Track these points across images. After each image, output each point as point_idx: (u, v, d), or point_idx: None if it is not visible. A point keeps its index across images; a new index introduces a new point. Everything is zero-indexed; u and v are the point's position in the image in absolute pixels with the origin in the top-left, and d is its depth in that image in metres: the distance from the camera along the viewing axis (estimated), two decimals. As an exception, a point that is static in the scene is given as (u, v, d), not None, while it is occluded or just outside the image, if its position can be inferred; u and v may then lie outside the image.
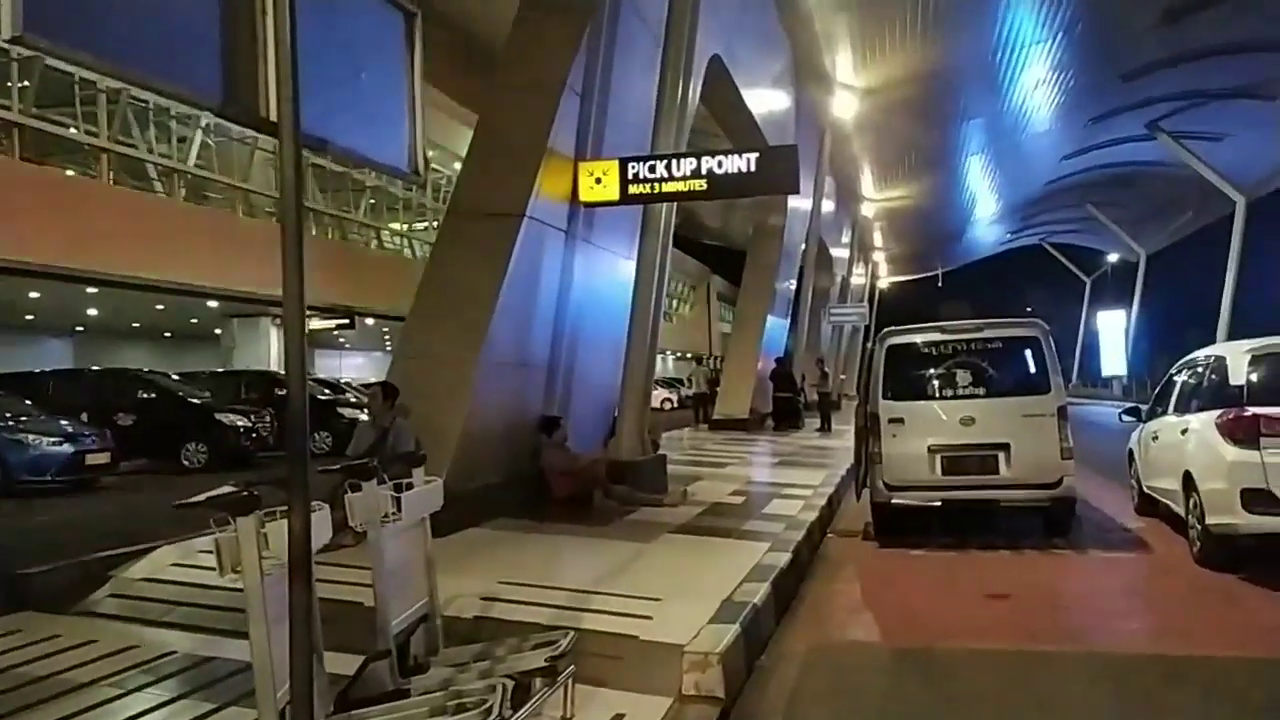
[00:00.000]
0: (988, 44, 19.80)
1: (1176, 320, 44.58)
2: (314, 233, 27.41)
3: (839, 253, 35.45)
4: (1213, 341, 20.28)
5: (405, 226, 32.84)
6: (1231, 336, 26.66)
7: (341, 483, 3.95)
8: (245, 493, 3.00)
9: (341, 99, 3.00)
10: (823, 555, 7.65)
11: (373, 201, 30.29)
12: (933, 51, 19.86)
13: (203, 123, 22.99)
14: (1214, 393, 7.15)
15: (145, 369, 19.02)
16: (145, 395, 15.37)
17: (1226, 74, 24.14)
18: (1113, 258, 53.83)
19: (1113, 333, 53.32)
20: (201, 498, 3.22)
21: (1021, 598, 6.10)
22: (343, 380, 24.22)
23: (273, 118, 2.60)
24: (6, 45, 15.35)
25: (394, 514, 3.96)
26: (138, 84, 2.43)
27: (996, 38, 19.53)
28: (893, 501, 8.10)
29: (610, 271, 10.43)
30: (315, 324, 26.88)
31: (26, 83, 18.72)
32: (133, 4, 2.26)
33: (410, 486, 4.24)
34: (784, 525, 7.77)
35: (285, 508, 3.39)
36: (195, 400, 15.73)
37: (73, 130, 19.61)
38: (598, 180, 9.17)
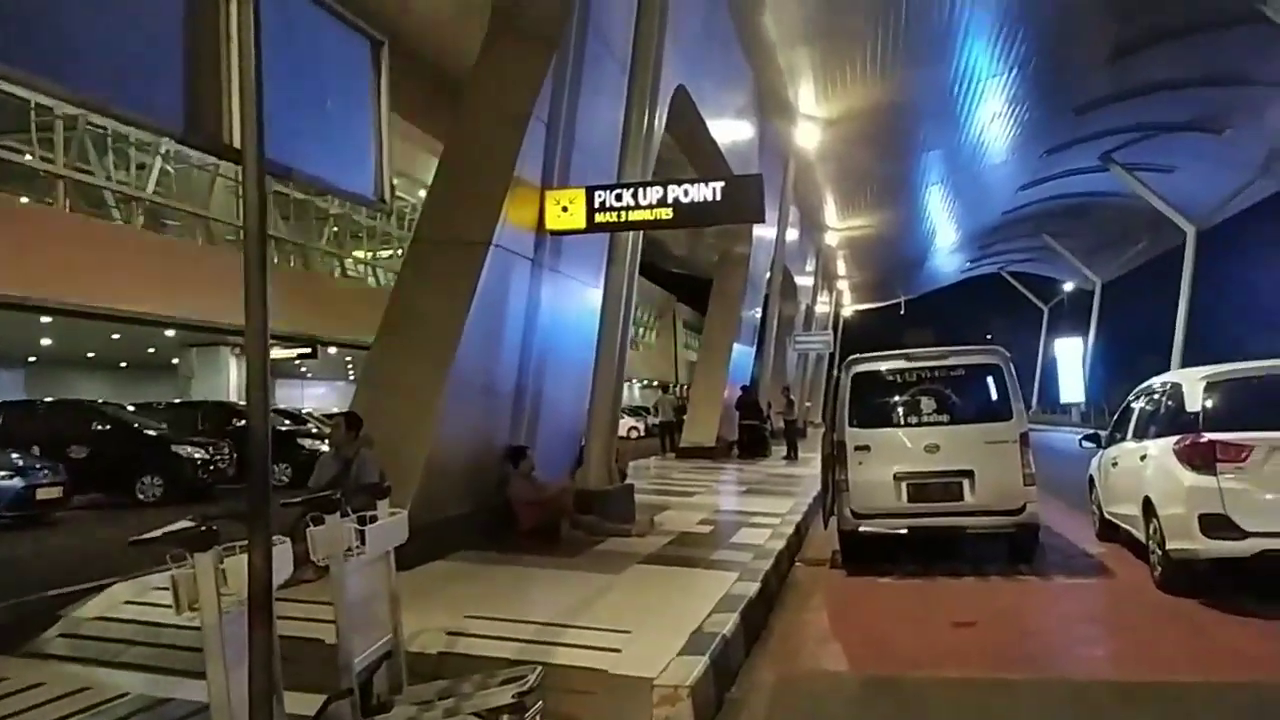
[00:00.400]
0: (945, 78, 20.25)
1: (1132, 347, 45.56)
2: (276, 261, 27.11)
3: (803, 281, 35.80)
4: (1167, 368, 20.70)
5: (369, 255, 32.61)
6: (1185, 363, 27.28)
7: (303, 516, 3.86)
8: (203, 527, 2.91)
9: (307, 126, 2.97)
10: (791, 584, 7.63)
11: (336, 230, 30.07)
12: (893, 84, 20.26)
13: (162, 149, 22.71)
14: (1171, 419, 7.29)
15: (100, 400, 18.61)
16: (100, 427, 15.01)
17: (1176, 108, 24.94)
18: (1069, 286, 54.96)
19: (1070, 360, 54.34)
20: (158, 533, 3.13)
21: (988, 625, 6.12)
22: (304, 410, 23.87)
23: (236, 145, 2.56)
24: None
25: (358, 547, 3.88)
26: (98, 110, 2.38)
27: (954, 72, 19.99)
28: (860, 529, 8.12)
29: (577, 299, 10.41)
30: (277, 353, 26.50)
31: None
32: (92, 29, 2.21)
33: (374, 519, 4.16)
34: (752, 554, 7.75)
35: (245, 543, 3.31)
36: (151, 432, 15.39)
37: (28, 157, 19.26)
38: (564, 209, 9.18)
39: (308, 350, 25.36)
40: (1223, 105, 24.52)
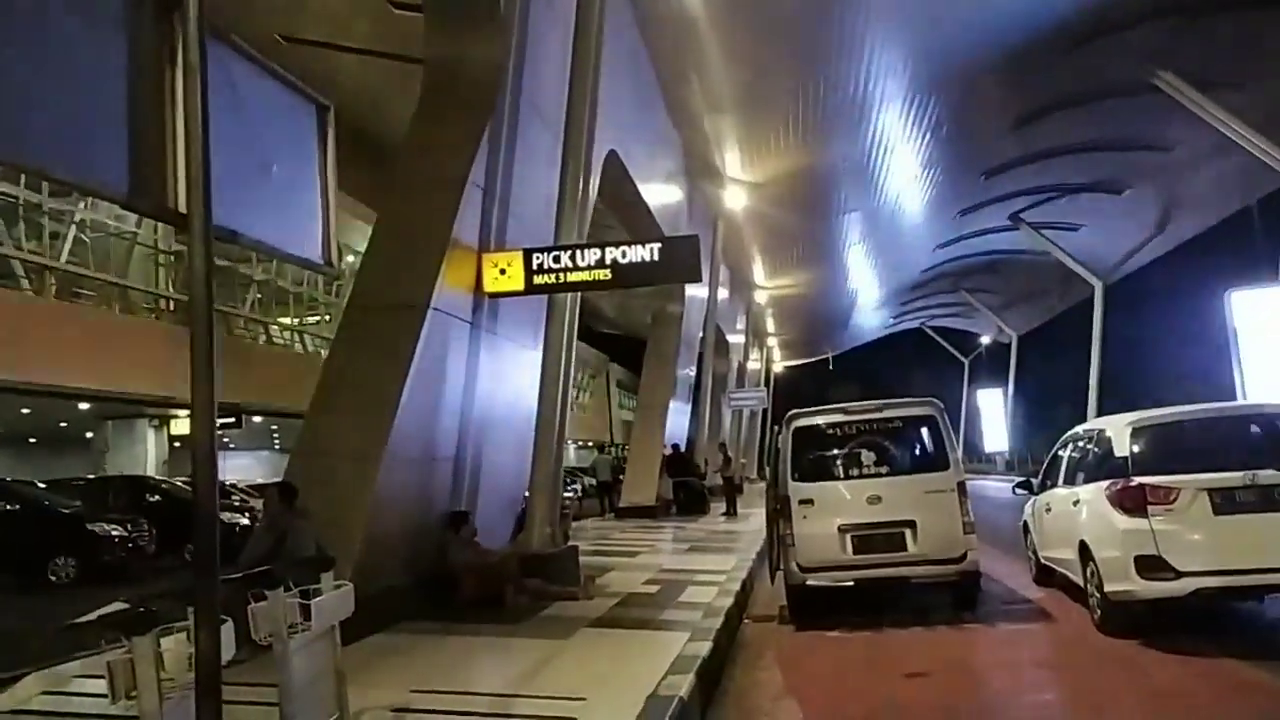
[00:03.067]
0: (862, 143, 21.07)
1: (1050, 397, 47.25)
2: (198, 329, 26.30)
3: (735, 339, 36.32)
4: (1084, 417, 21.50)
5: (296, 321, 31.96)
6: (1101, 412, 28.37)
7: (240, 592, 3.69)
8: (141, 609, 2.77)
9: (253, 191, 2.93)
10: (741, 642, 7.56)
11: (260, 296, 29.44)
12: (813, 149, 21.01)
13: (76, 219, 22.06)
14: (1100, 464, 7.53)
15: (7, 478, 17.61)
16: (7, 506, 14.18)
17: (1078, 170, 26.37)
18: (986, 339, 56.92)
19: (992, 410, 56.01)
20: (93, 616, 2.95)
21: (940, 674, 6.14)
22: (228, 482, 22.99)
23: (183, 210, 2.50)
24: None
25: (301, 624, 3.72)
26: (38, 175, 2.30)
27: (870, 138, 20.82)
28: (807, 583, 8.12)
29: (516, 361, 10.35)
30: (191, 426, 25.54)
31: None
32: (33, 94, 2.15)
33: (318, 593, 4.00)
34: (701, 613, 7.67)
35: (182, 624, 3.14)
36: (64, 510, 14.59)
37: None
38: (502, 271, 9.18)
39: (231, 420, 24.53)
40: (1122, 167, 26.05)
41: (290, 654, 3.59)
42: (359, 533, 7.20)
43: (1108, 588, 6.74)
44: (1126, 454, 7.00)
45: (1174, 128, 21.73)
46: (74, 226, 21.86)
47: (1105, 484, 6.99)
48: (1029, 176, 26.66)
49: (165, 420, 25.24)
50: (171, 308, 24.54)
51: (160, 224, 23.52)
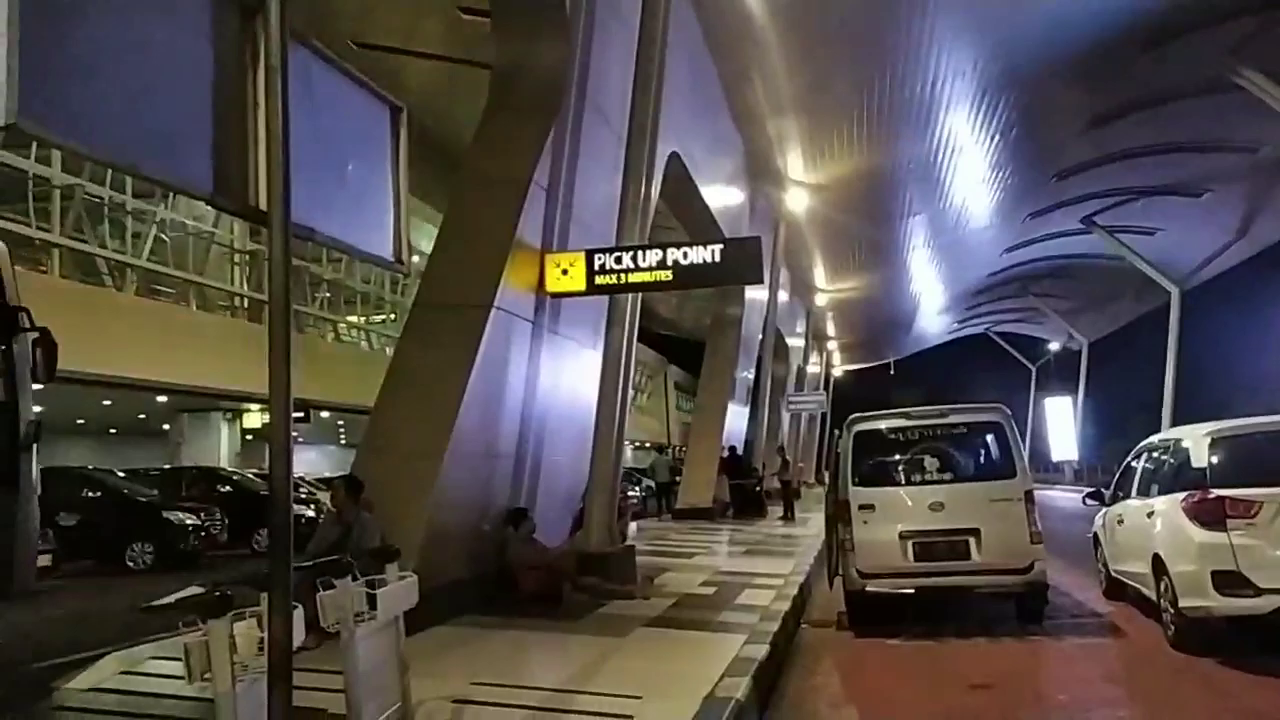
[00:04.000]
0: (929, 145, 20.70)
1: (1121, 406, 45.83)
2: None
3: (795, 342, 35.99)
4: (1158, 427, 20.78)
5: (363, 319, 32.68)
6: (1176, 421, 27.42)
7: (306, 581, 3.78)
8: (217, 593, 2.85)
9: (329, 190, 3.01)
10: (799, 647, 7.49)
11: (329, 295, 30.18)
12: (878, 151, 20.72)
13: (157, 218, 22.90)
14: (1176, 475, 7.28)
15: (89, 466, 18.37)
16: (90, 494, 14.81)
17: (1156, 172, 25.53)
18: (1055, 346, 55.45)
19: (1060, 419, 54.53)
20: (171, 599, 3.06)
21: (1004, 688, 6.00)
22: (296, 475, 23.62)
23: (263, 207, 2.58)
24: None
25: (368, 613, 3.80)
26: (128, 172, 2.40)
27: (937, 139, 20.45)
28: (866, 589, 8.01)
29: (577, 361, 10.43)
30: (268, 417, 26.34)
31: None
32: (126, 95, 2.25)
33: (383, 583, 4.09)
34: (758, 616, 7.63)
35: (253, 609, 3.24)
36: (142, 498, 15.18)
37: (25, 229, 19.36)
38: (564, 271, 9.25)
39: (300, 415, 25.18)
40: (1201, 169, 25.13)
41: (356, 642, 3.67)
42: (422, 527, 7.33)
43: (1183, 603, 6.51)
44: (1205, 465, 6.75)
45: (1258, 127, 20.90)
46: (155, 226, 22.73)
47: (1182, 496, 6.75)
48: (1103, 179, 25.90)
49: (238, 414, 26.07)
50: (246, 305, 25.35)
51: (236, 224, 24.37)
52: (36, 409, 5.99)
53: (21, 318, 6.45)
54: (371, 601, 3.82)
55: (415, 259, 22.95)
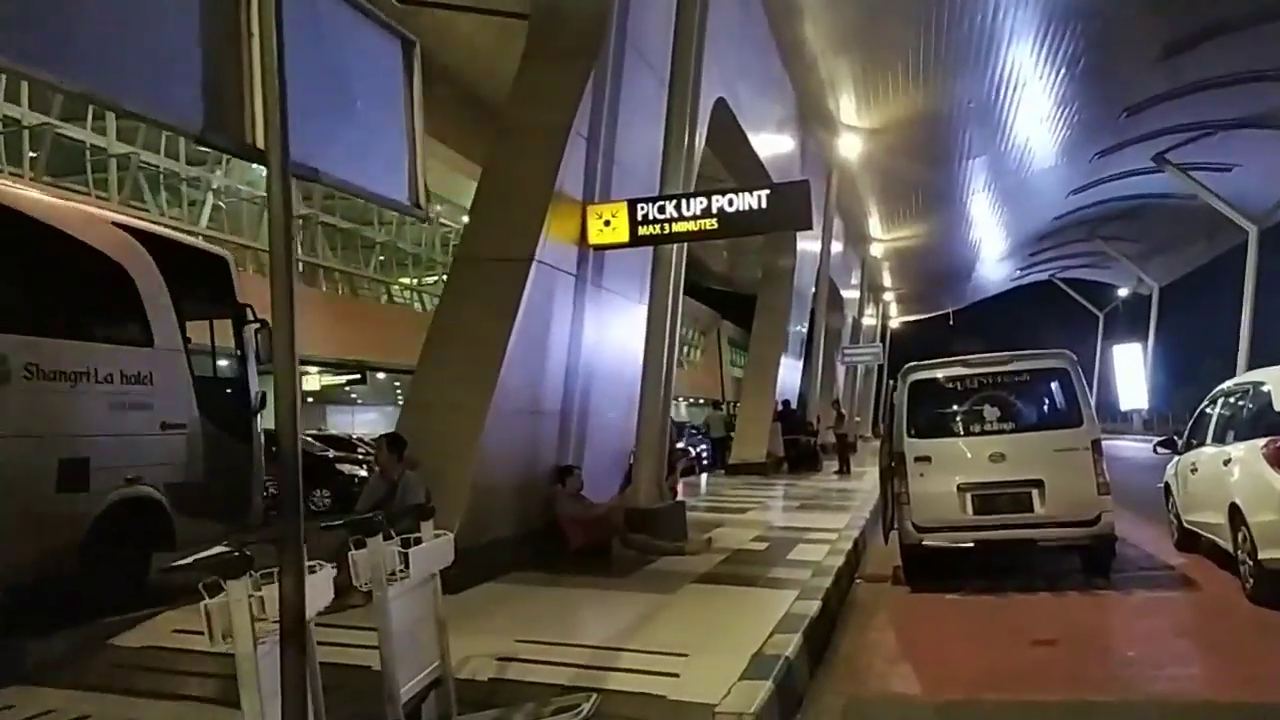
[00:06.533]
0: (989, 82, 19.83)
1: (1194, 352, 44.28)
2: (325, 289, 27.51)
3: (849, 294, 35.32)
4: (1232, 372, 19.90)
5: (415, 280, 32.93)
6: (1252, 367, 26.25)
7: (347, 540, 3.71)
8: (237, 553, 2.76)
9: (335, 128, 2.84)
10: (852, 602, 7.31)
11: (382, 258, 30.43)
12: (935, 91, 19.91)
13: (213, 185, 23.21)
14: (1256, 420, 6.87)
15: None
16: (273, 449, 15.79)
17: (1232, 105, 24.10)
18: (1124, 291, 53.55)
19: (1129, 366, 52.88)
20: (189, 559, 2.99)
21: (1069, 643, 5.75)
22: (355, 436, 24.04)
23: (260, 145, 2.43)
24: (18, 117, 15.33)
25: (401, 571, 3.71)
26: (109, 107, 2.26)
27: (998, 75, 19.56)
28: (923, 543, 7.76)
29: (622, 315, 10.25)
30: (327, 379, 26.78)
31: (35, 154, 18.95)
32: (103, 23, 2.09)
33: (419, 541, 4.00)
34: (811, 572, 7.45)
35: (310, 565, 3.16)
36: (318, 454, 16.51)
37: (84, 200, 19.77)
38: (606, 223, 9.04)
39: (357, 376, 25.57)
40: (1282, 99, 23.66)
41: (389, 601, 3.59)
42: (467, 484, 7.29)
43: (1262, 554, 6.15)
44: (1288, 409, 6.33)
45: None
46: (210, 193, 23.05)
47: (1263, 442, 6.35)
48: (1176, 112, 24.55)
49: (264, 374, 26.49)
50: (300, 269, 25.69)
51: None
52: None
53: (247, 312, 8.17)
54: (405, 560, 3.73)
55: (465, 219, 22.94)
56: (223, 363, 8.57)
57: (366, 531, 3.69)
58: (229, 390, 8.42)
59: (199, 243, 10.03)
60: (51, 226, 6.72)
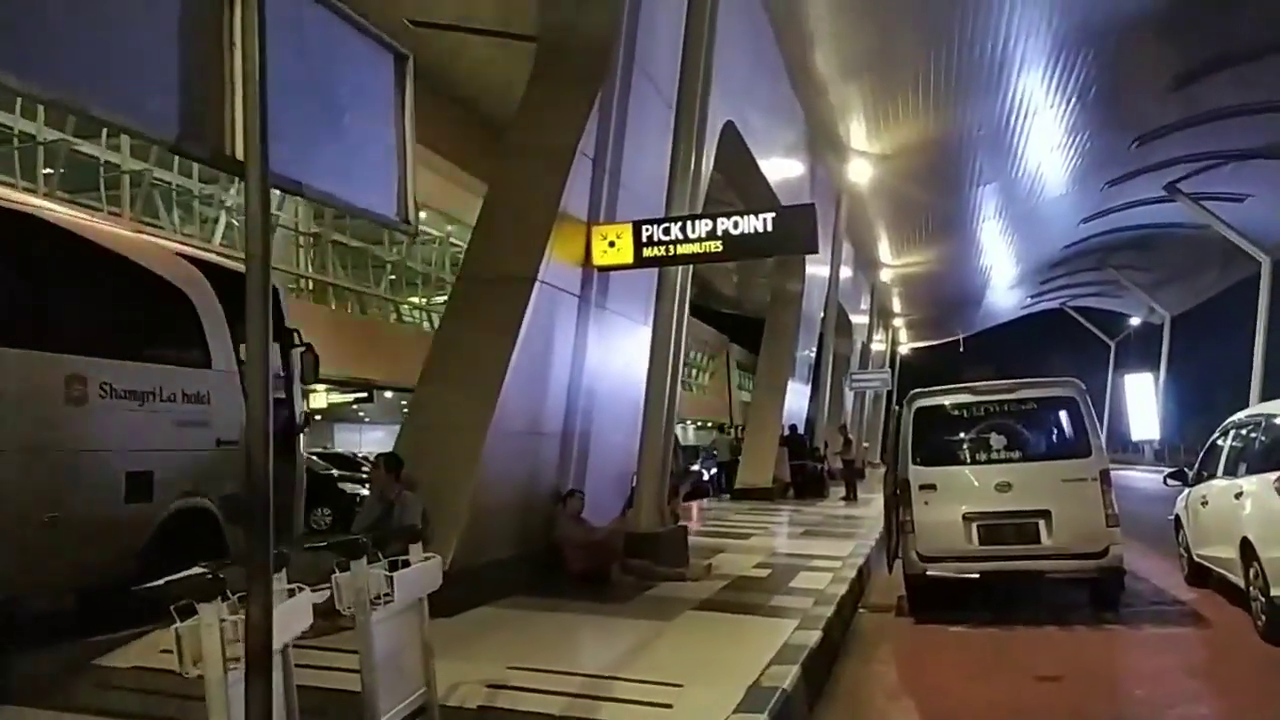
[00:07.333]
0: (1000, 109, 19.81)
1: (1206, 383, 43.82)
2: (334, 306, 27.55)
3: (858, 319, 35.17)
4: (1245, 404, 19.67)
5: (424, 300, 32.96)
6: (1265, 398, 25.96)
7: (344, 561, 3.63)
8: (210, 575, 2.68)
9: (321, 141, 2.78)
10: (855, 632, 7.17)
11: (393, 277, 30.47)
12: (945, 117, 19.89)
13: (226, 203, 23.31)
14: (1268, 453, 6.75)
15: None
16: None
17: (1245, 134, 23.99)
18: (1135, 320, 53.21)
19: (1141, 396, 52.39)
20: (162, 581, 2.91)
21: (1075, 680, 5.60)
22: (359, 454, 23.96)
23: (239, 156, 2.37)
24: (32, 133, 15.42)
25: (385, 595, 3.62)
26: (79, 113, 2.20)
27: (1009, 102, 19.54)
28: (927, 573, 7.62)
29: (626, 337, 10.17)
30: (334, 397, 26.73)
31: (49, 170, 19.09)
32: (76, 26, 2.04)
33: (406, 564, 3.91)
34: (813, 600, 7.31)
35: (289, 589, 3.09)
36: (322, 473, 16.74)
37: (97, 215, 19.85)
38: (611, 243, 8.99)
39: (364, 395, 25.49)
40: (1294, 130, 23.54)
41: (371, 626, 3.50)
42: (465, 505, 7.19)
43: (1274, 591, 5.99)
44: (1302, 442, 6.19)
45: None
46: (224, 211, 23.14)
47: (1275, 475, 6.21)
48: (1188, 142, 24.45)
49: (305, 395, 26.46)
50: (310, 287, 25.70)
51: (300, 207, 24.70)
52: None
53: (294, 336, 8.58)
54: (391, 584, 3.64)
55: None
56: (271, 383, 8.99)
57: (351, 553, 3.61)
58: (276, 409, 8.66)
59: None
60: (125, 258, 7.22)
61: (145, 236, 8.98)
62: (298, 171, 2.60)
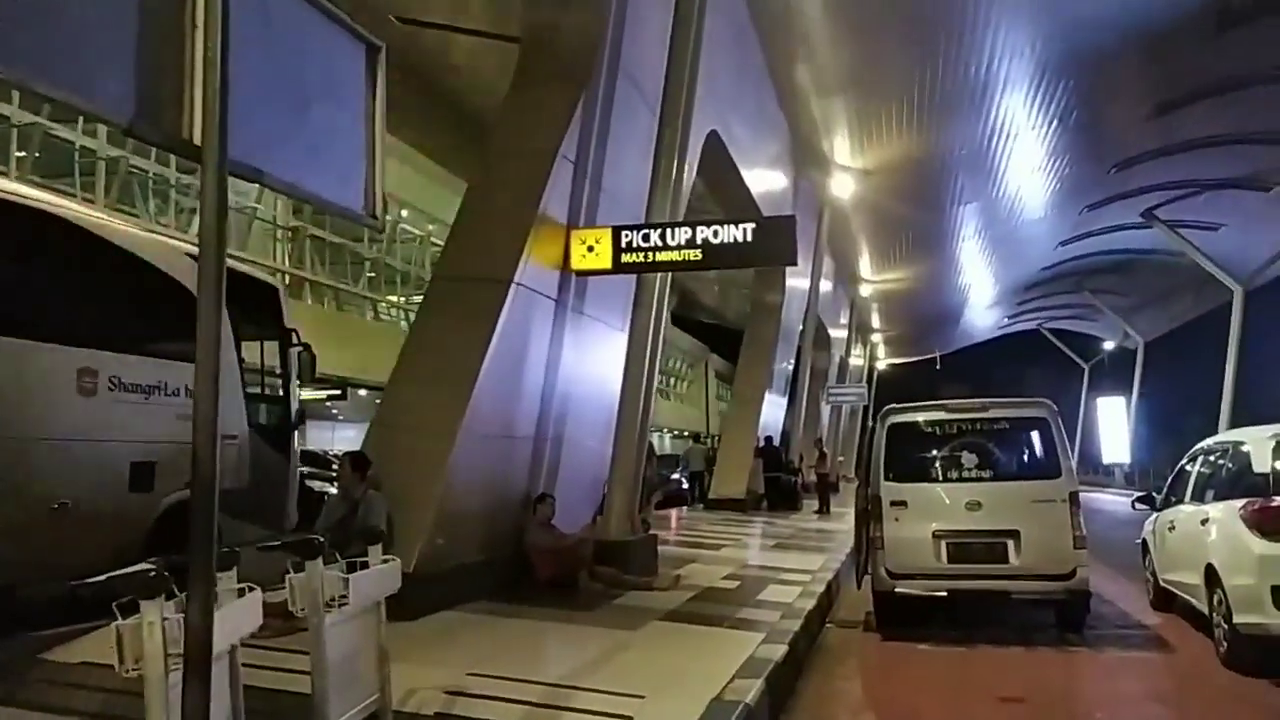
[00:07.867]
0: (982, 130, 19.95)
1: (1177, 408, 44.29)
2: (309, 302, 27.29)
3: (837, 333, 35.30)
4: (1214, 430, 19.90)
5: (403, 299, 32.74)
6: (1234, 425, 26.29)
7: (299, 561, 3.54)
8: (154, 572, 2.59)
9: (286, 129, 2.71)
10: (822, 647, 7.14)
11: (372, 275, 30.26)
12: (928, 136, 20.02)
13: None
14: (1235, 481, 6.77)
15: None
16: None
17: (1221, 164, 24.34)
18: (1110, 344, 53.78)
19: (1113, 419, 52.89)
20: (103, 577, 2.82)
21: (1038, 702, 5.59)
22: (331, 452, 23.69)
23: (197, 141, 2.29)
24: (7, 114, 15.21)
25: (340, 598, 3.54)
26: (23, 89, 2.11)
27: (991, 124, 19.69)
28: (896, 590, 7.60)
29: (602, 342, 10.11)
30: (307, 394, 26.47)
31: (23, 153, 18.78)
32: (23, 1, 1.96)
33: (365, 566, 3.83)
34: (780, 614, 7.27)
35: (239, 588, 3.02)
36: None
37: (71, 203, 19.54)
38: (590, 248, 8.93)
39: (337, 392, 25.21)
40: (1271, 162, 23.88)
41: (324, 629, 3.41)
42: (432, 507, 7.09)
43: (1237, 619, 6.01)
44: (1267, 470, 6.23)
45: (1335, 118, 19.79)
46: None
47: (1240, 503, 6.24)
48: (1165, 170, 24.77)
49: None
50: (287, 282, 25.45)
51: (279, 200, 24.45)
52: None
53: (292, 336, 9.05)
54: (346, 585, 3.56)
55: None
56: (269, 380, 9.48)
57: (307, 554, 3.52)
58: (274, 406, 9.35)
59: (255, 272, 10.85)
60: (135, 255, 7.46)
61: (154, 235, 9.23)
62: (260, 160, 2.52)
